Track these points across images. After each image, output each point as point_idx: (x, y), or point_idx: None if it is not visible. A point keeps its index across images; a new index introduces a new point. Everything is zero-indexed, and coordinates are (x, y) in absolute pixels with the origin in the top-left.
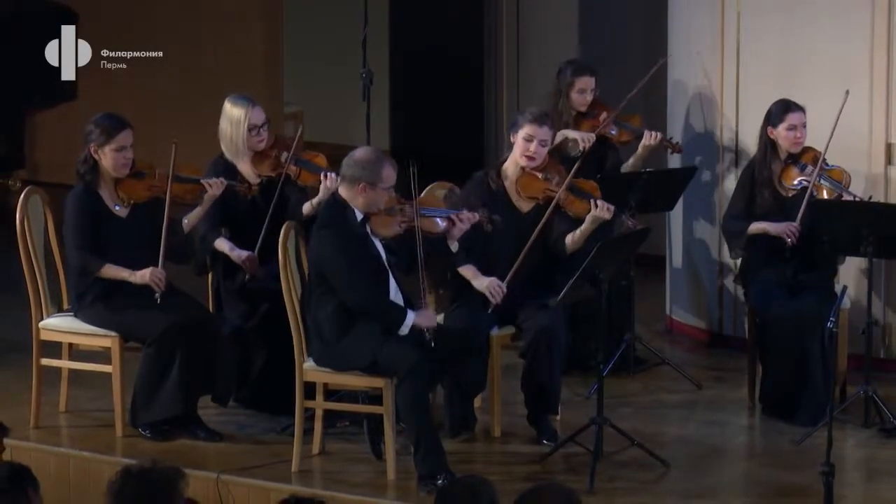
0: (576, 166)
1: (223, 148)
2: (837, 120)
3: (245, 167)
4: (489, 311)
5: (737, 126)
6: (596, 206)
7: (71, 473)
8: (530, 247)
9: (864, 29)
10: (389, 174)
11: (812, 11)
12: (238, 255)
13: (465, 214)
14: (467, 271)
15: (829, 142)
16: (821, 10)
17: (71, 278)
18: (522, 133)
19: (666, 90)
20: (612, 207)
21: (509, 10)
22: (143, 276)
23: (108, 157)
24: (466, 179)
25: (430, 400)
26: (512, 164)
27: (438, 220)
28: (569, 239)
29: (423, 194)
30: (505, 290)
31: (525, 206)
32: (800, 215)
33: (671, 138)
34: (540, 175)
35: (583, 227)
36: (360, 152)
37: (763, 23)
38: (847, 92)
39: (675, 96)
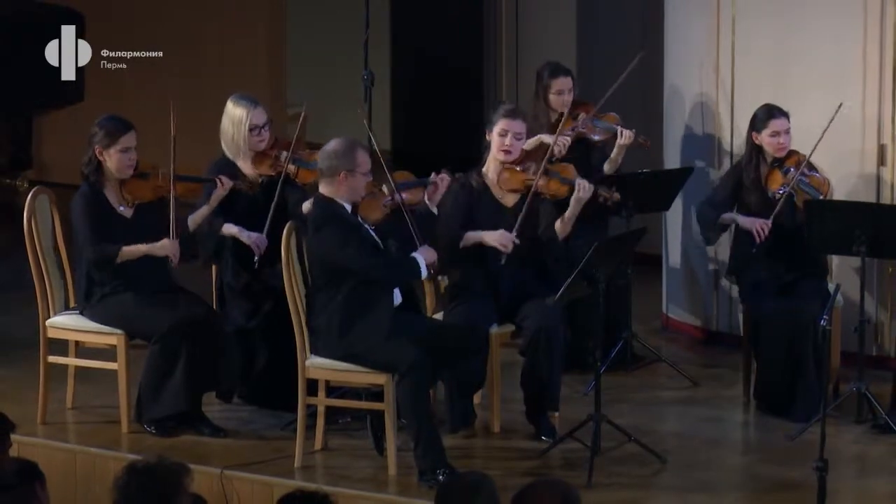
0: (548, 152)
1: (224, 147)
2: (826, 129)
3: (246, 166)
4: (502, 262)
5: (732, 128)
6: (575, 187)
7: (77, 469)
8: (526, 212)
9: (857, 32)
10: (364, 158)
11: (805, 15)
12: (248, 236)
13: (440, 176)
14: (471, 236)
15: (812, 150)
16: (814, 14)
17: (81, 274)
18: (497, 129)
19: (662, 94)
20: (589, 185)
21: (508, 12)
22: (162, 246)
23: (113, 159)
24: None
25: (431, 396)
26: (492, 161)
27: (416, 192)
28: (558, 225)
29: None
30: (516, 241)
31: (510, 200)
32: (774, 213)
33: (641, 136)
34: (519, 168)
35: (569, 210)
36: (331, 144)
37: (757, 26)
38: (840, 105)
39: (671, 100)
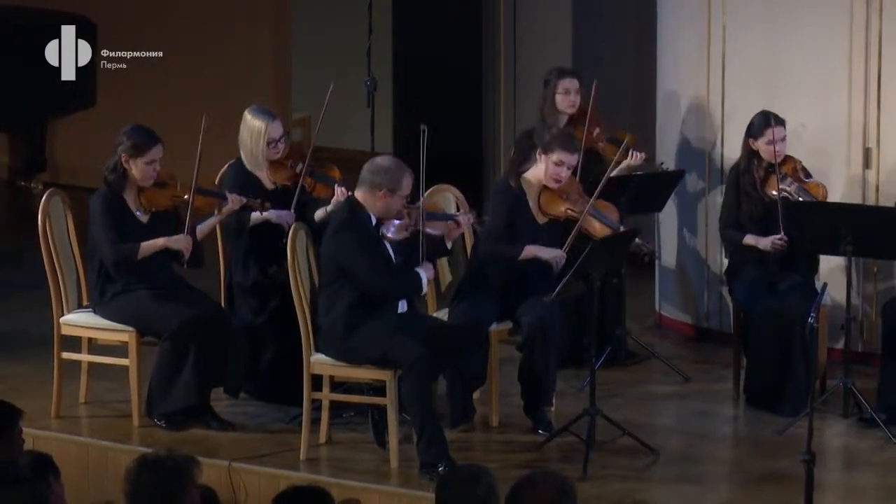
0: (598, 190)
1: (243, 157)
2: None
3: (262, 174)
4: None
5: (722, 132)
6: (617, 226)
7: (90, 461)
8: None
9: (844, 39)
10: (408, 183)
11: (795, 23)
12: (277, 214)
13: (463, 217)
14: (531, 251)
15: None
16: (803, 23)
17: (93, 273)
18: (554, 157)
19: (655, 99)
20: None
21: (506, 19)
22: (177, 240)
23: (138, 169)
24: (466, 180)
25: (432, 391)
26: (535, 178)
27: (438, 225)
28: None
29: (424, 197)
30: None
31: (542, 218)
32: (782, 226)
33: (662, 164)
34: (562, 196)
35: None
36: (383, 160)
37: (748, 34)
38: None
39: (664, 105)
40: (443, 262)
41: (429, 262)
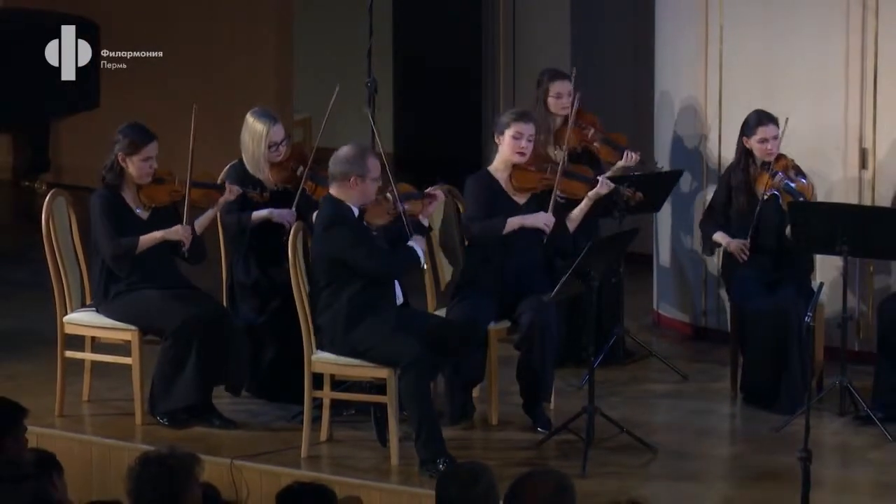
0: (564, 154)
1: (244, 159)
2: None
3: (263, 176)
4: (545, 241)
5: (720, 133)
6: (595, 183)
7: (93, 459)
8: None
9: (840, 40)
10: (374, 164)
11: (791, 25)
12: (279, 214)
13: (434, 191)
14: (514, 222)
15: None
16: (800, 24)
17: (96, 273)
18: (511, 132)
19: (653, 99)
20: (610, 183)
21: (506, 22)
22: (175, 231)
23: (134, 166)
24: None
25: (431, 389)
26: (501, 163)
27: (413, 204)
28: (569, 220)
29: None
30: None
31: (521, 198)
32: (752, 226)
33: (658, 164)
34: (532, 168)
35: (581, 204)
36: (344, 150)
37: (744, 35)
38: (787, 119)
39: (661, 105)
40: (442, 261)
41: (418, 235)
